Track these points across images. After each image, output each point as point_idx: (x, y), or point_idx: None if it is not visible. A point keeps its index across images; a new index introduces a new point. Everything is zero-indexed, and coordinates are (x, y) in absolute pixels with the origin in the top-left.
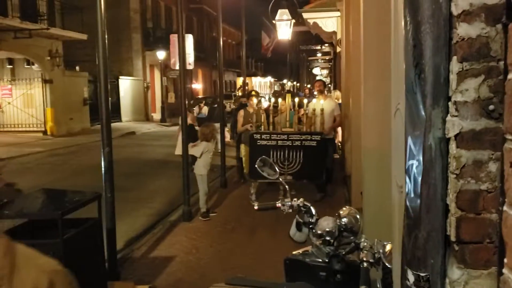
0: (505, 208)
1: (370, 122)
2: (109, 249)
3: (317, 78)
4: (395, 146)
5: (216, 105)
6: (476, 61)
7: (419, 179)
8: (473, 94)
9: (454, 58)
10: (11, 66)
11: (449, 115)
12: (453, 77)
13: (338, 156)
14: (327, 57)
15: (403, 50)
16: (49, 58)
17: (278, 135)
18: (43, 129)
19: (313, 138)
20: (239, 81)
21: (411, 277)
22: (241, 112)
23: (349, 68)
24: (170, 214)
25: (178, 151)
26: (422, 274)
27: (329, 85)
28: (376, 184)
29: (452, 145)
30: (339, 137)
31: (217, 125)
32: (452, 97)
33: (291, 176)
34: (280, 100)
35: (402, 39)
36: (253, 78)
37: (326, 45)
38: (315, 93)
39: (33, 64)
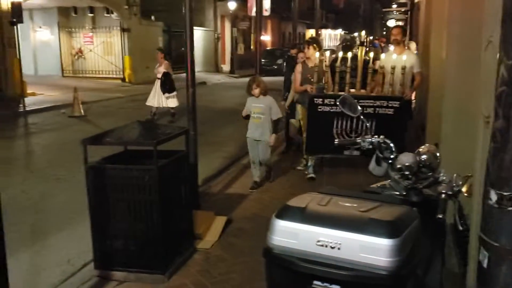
0: None
1: (454, 68)
2: (192, 182)
3: (395, 25)
4: (484, 79)
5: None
6: None
7: (510, 104)
8: None
9: None
10: (92, 15)
11: None
12: None
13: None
14: (402, 9)
15: None
16: (126, 7)
17: None
18: (121, 76)
19: (389, 105)
20: (309, 33)
21: (493, 197)
22: (298, 67)
23: (430, 16)
24: (243, 158)
25: (150, 101)
26: (505, 193)
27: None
28: (455, 131)
29: None
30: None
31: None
32: None
33: (359, 152)
34: (350, 53)
35: None
36: (323, 30)
37: None
38: (390, 45)
39: (112, 12)
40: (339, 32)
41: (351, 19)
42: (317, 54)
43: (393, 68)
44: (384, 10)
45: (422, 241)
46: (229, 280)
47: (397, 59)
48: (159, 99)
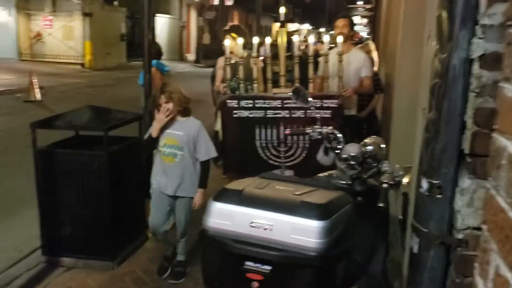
0: (500, 83)
1: (405, 64)
2: (147, 169)
3: (340, 15)
4: (424, 71)
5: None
6: None
7: (442, 96)
8: (500, 18)
9: None
10: None
11: (475, 37)
12: (483, 1)
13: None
14: (368, 6)
15: None
16: None
17: (267, 101)
18: (81, 61)
19: (325, 105)
20: (275, 26)
21: (424, 185)
22: (220, 62)
23: (390, 13)
24: None
25: None
26: (435, 182)
27: (368, 36)
28: (405, 124)
29: (475, 66)
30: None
31: None
32: (480, 20)
33: (292, 171)
34: (268, 39)
35: None
36: (289, 25)
37: None
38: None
39: None
40: (306, 27)
41: (317, 15)
42: (240, 41)
43: (327, 55)
44: (349, 6)
45: (364, 229)
46: None
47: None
48: None
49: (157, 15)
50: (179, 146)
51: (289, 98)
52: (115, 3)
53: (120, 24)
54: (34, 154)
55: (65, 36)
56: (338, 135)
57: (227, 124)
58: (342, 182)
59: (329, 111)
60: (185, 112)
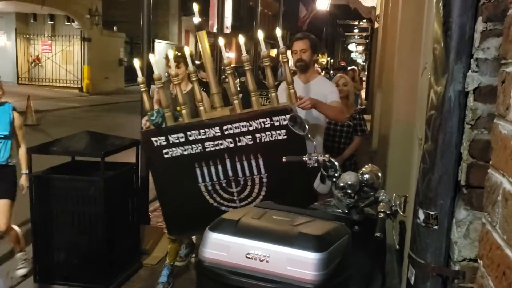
0: (495, 120)
1: (401, 94)
2: (142, 195)
3: (297, 36)
4: (419, 102)
5: None
6: (500, 21)
7: (438, 127)
8: (493, 52)
9: (480, 18)
10: (52, 22)
11: (470, 70)
12: (477, 36)
13: None
14: (364, 34)
15: (435, 10)
16: (88, 16)
17: (203, 130)
18: (79, 86)
19: (276, 124)
20: (273, 53)
21: (421, 216)
22: (158, 94)
23: (386, 42)
24: None
25: None
26: (431, 213)
27: (363, 63)
28: (401, 154)
29: (470, 98)
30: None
31: None
32: (474, 54)
33: None
34: (170, 53)
35: (434, 2)
36: (288, 51)
37: (364, 20)
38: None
39: (73, 21)
40: None
41: None
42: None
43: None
44: (346, 34)
45: (361, 259)
46: None
47: (305, 88)
48: None
49: (156, 40)
50: None
51: (229, 122)
52: (114, 28)
53: (118, 49)
54: (29, 179)
55: (63, 61)
56: (335, 163)
57: (158, 169)
58: (339, 211)
59: (283, 131)
60: None
